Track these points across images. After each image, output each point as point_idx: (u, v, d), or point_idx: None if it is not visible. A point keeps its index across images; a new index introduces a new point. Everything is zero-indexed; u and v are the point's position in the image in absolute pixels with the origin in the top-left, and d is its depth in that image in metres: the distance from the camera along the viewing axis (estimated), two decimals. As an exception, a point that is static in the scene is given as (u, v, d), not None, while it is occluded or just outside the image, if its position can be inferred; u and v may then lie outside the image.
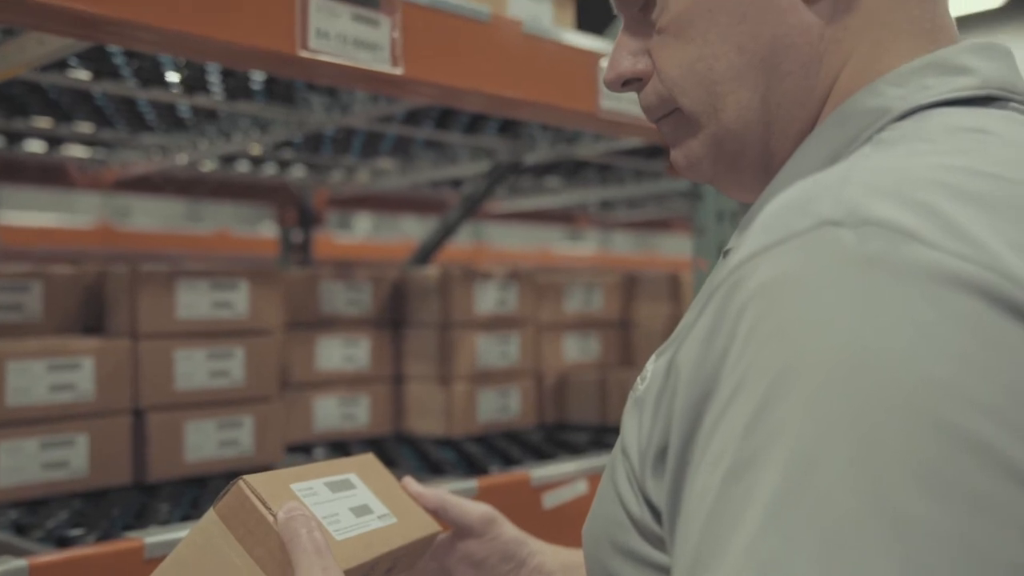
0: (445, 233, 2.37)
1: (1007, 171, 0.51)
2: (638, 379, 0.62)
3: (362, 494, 0.88)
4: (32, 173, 2.17)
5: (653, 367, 0.60)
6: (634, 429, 0.59)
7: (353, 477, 0.89)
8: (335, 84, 1.48)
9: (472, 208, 2.35)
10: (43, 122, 1.79)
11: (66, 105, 1.68)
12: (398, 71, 1.21)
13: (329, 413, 1.79)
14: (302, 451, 1.74)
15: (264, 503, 0.72)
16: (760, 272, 0.48)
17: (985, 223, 0.47)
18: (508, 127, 1.97)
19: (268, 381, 1.56)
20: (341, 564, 0.71)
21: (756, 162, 0.68)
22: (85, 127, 1.83)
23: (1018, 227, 0.48)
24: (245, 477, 0.74)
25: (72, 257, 4.57)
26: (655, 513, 0.56)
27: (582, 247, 8.34)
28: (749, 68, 0.65)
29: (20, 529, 1.14)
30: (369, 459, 0.94)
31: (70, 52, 1.21)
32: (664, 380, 0.55)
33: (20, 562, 0.92)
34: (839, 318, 0.45)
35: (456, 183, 2.69)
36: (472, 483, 1.37)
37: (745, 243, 0.51)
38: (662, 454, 0.54)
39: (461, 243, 5.77)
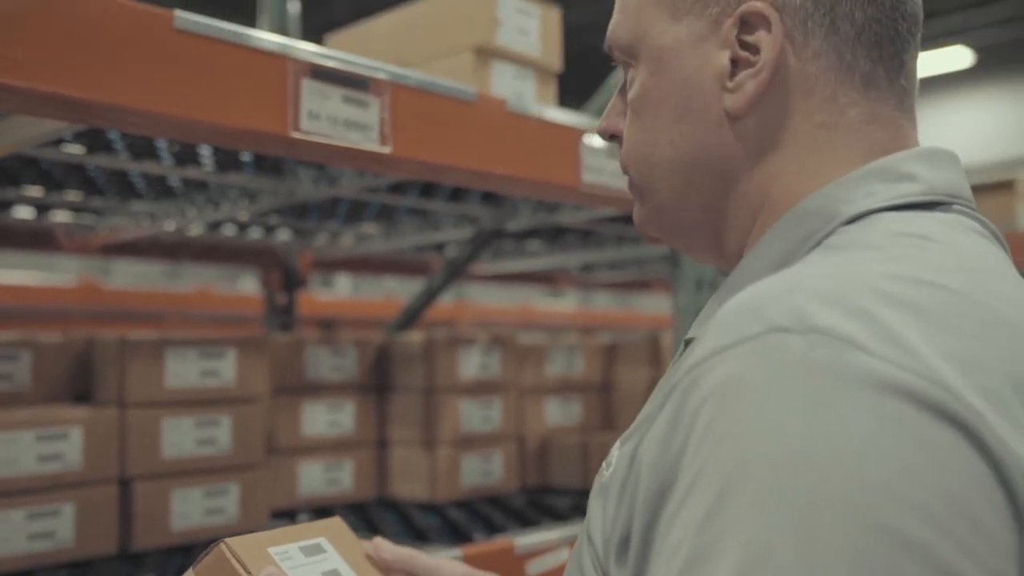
0: (429, 298, 2.41)
1: (943, 279, 0.55)
2: (603, 464, 0.65)
3: (332, 559, 0.90)
4: (20, 238, 2.19)
5: (618, 454, 0.63)
6: (599, 515, 0.62)
7: (323, 542, 0.92)
8: (325, 162, 1.53)
9: (456, 273, 2.39)
10: (34, 191, 1.82)
11: (58, 176, 1.71)
12: (386, 150, 1.25)
13: (314, 478, 1.81)
14: (287, 516, 1.75)
15: (244, 566, 0.74)
16: (715, 373, 0.52)
17: (920, 331, 0.51)
18: (491, 195, 2.02)
19: (254, 448, 1.58)
20: None
21: (704, 243, 0.74)
22: (75, 195, 1.86)
23: (950, 334, 0.52)
24: (226, 540, 0.76)
25: (56, 315, 4.58)
26: None
27: (563, 304, 8.39)
28: (680, 163, 0.71)
29: (7, 602, 1.15)
30: (336, 523, 0.96)
31: (66, 132, 1.24)
32: (627, 470, 0.58)
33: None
34: (787, 422, 0.49)
35: (439, 246, 2.73)
36: (457, 551, 1.38)
37: (702, 343, 0.55)
38: (625, 542, 0.58)
39: (443, 301, 5.81)
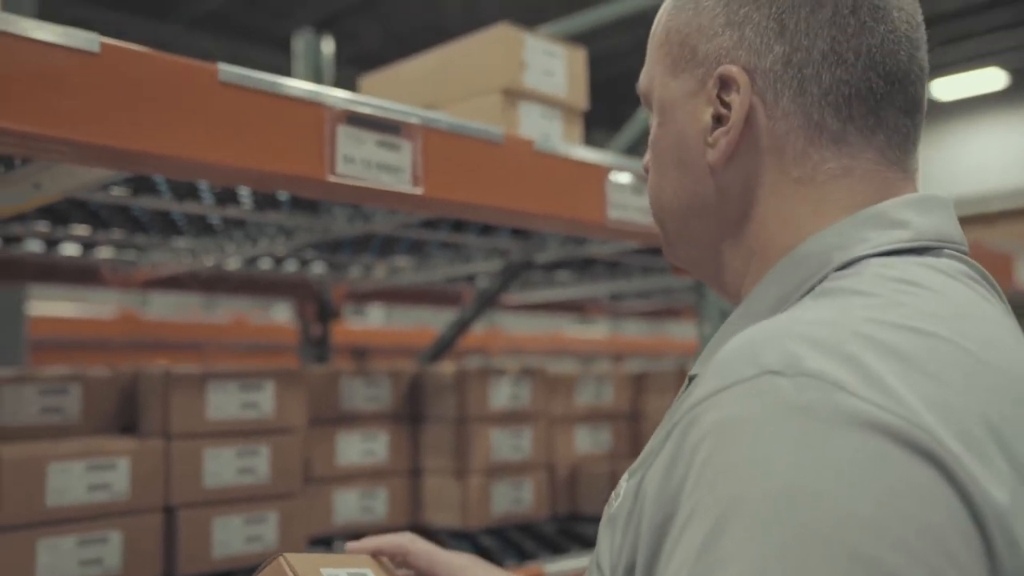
0: (460, 328, 2.46)
1: (927, 324, 0.59)
2: (612, 495, 0.70)
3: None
4: (66, 274, 2.27)
5: (626, 486, 0.68)
6: (607, 544, 0.67)
7: (368, 573, 0.97)
8: (359, 203, 1.59)
9: (486, 303, 2.44)
10: (81, 229, 1.89)
11: (105, 216, 1.79)
12: (418, 191, 1.31)
13: (349, 506, 1.85)
14: (323, 543, 1.79)
15: None
16: (712, 413, 0.57)
17: (902, 376, 0.55)
18: (520, 230, 2.07)
19: (292, 477, 1.63)
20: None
21: (711, 279, 0.80)
22: (120, 233, 1.93)
23: (931, 379, 0.56)
24: (285, 554, 0.82)
25: (97, 346, 4.68)
26: None
27: (594, 331, 8.41)
28: (680, 208, 0.77)
29: (60, 626, 1.21)
30: (384, 561, 1.02)
31: (113, 179, 1.31)
32: (633, 502, 0.63)
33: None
34: (777, 459, 0.53)
35: (470, 277, 2.79)
36: (488, 578, 1.42)
37: (703, 383, 0.59)
38: (630, 570, 0.62)
39: (475, 329, 5.86)
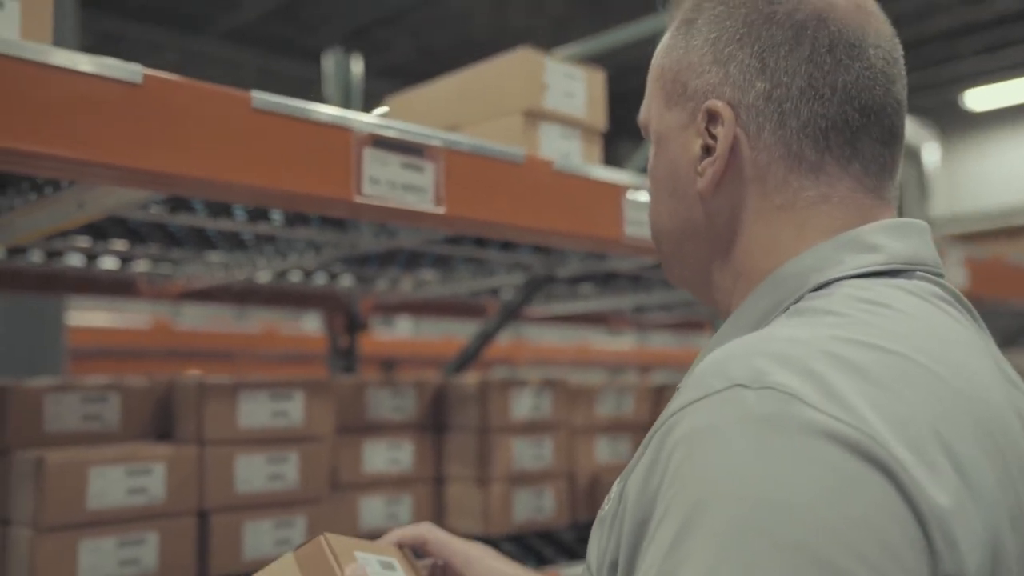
0: (484, 340, 2.52)
1: (888, 342, 0.64)
2: (605, 499, 0.76)
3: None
4: (104, 286, 2.36)
5: (615, 490, 0.74)
6: (595, 545, 0.73)
7: (395, 562, 1.05)
8: (384, 222, 1.65)
9: (509, 316, 2.49)
10: (119, 244, 1.97)
11: (143, 232, 1.86)
12: (441, 210, 1.37)
13: (374, 513, 1.92)
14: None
15: (336, 559, 0.88)
16: (686, 421, 0.63)
17: (859, 390, 0.60)
18: (541, 245, 2.13)
19: (320, 483, 1.69)
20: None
21: (704, 297, 0.85)
22: (156, 248, 2.01)
23: (886, 393, 0.61)
24: (326, 534, 0.92)
25: (133, 355, 4.79)
26: None
27: (621, 342, 8.43)
28: (673, 232, 0.83)
29: (100, 622, 1.28)
30: (407, 551, 1.10)
31: (153, 198, 1.39)
32: (618, 503, 0.69)
33: (109, 651, 1.06)
34: (738, 466, 0.59)
35: (494, 290, 2.85)
36: (506, 582, 1.47)
37: (681, 395, 0.66)
38: (613, 567, 0.68)
39: (501, 341, 5.92)
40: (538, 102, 1.67)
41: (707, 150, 0.79)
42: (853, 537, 0.56)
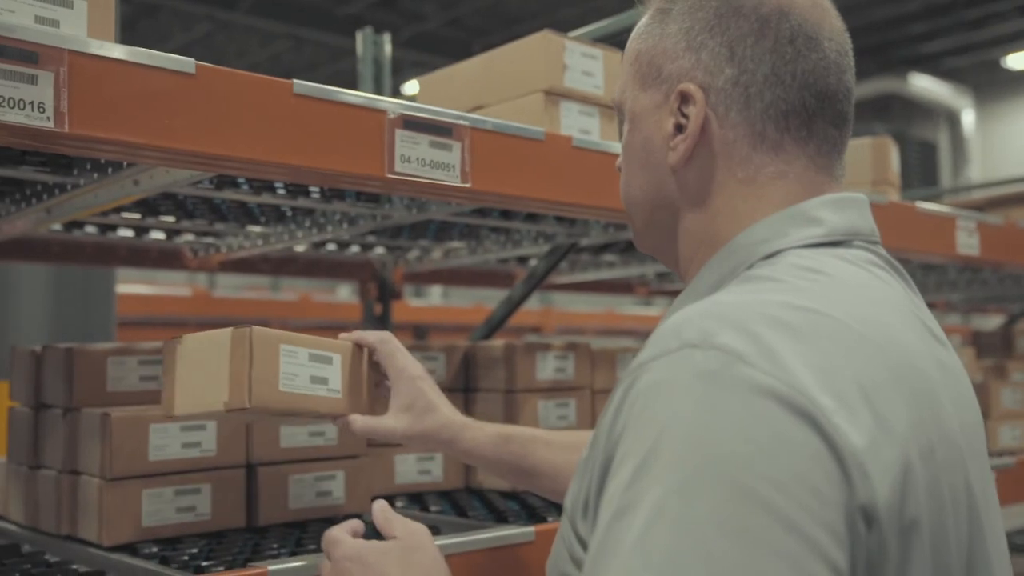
0: (511, 307, 2.63)
1: (821, 305, 0.76)
2: (585, 449, 0.87)
3: (331, 371, 1.26)
4: (153, 257, 2.50)
5: (590, 441, 0.85)
6: (572, 490, 0.84)
7: (337, 358, 1.26)
8: (415, 196, 1.76)
9: (535, 284, 2.60)
10: (168, 218, 2.10)
11: (190, 206, 1.99)
12: (467, 185, 1.48)
13: (408, 469, 2.04)
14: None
15: (251, 349, 1.13)
16: (645, 376, 0.74)
17: (792, 348, 0.71)
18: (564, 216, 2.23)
19: (357, 441, 1.82)
20: (254, 401, 1.14)
21: (671, 264, 0.96)
22: (202, 221, 2.14)
23: (815, 350, 0.72)
24: (255, 329, 1.14)
25: (173, 323, 4.96)
26: (582, 545, 0.80)
27: (650, 309, 8.52)
28: (645, 203, 0.94)
29: (163, 560, 1.41)
30: (365, 351, 1.32)
31: (202, 176, 1.50)
32: (590, 449, 0.80)
33: (177, 581, 1.19)
34: (685, 415, 0.70)
35: (521, 259, 2.96)
36: (530, 529, 1.60)
37: (643, 352, 0.77)
38: (586, 503, 0.79)
39: (530, 308, 6.04)
40: (558, 81, 1.76)
41: (679, 128, 0.90)
42: (776, 473, 0.67)
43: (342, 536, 0.97)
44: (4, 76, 1.02)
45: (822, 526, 0.66)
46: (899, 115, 12.76)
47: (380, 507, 0.98)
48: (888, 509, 0.70)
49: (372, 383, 1.31)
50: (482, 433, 1.31)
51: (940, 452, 0.75)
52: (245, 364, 1.13)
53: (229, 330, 1.16)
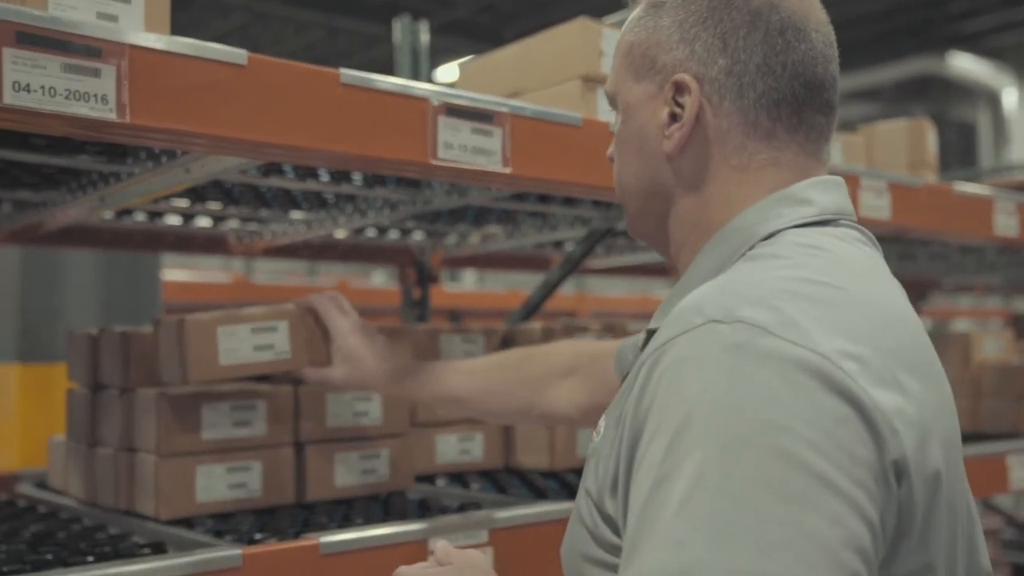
0: (547, 291, 2.67)
1: (829, 278, 0.80)
2: (594, 432, 0.91)
3: (277, 337, 1.51)
4: (199, 244, 2.56)
5: (605, 422, 0.89)
6: (592, 471, 0.88)
7: (284, 324, 1.51)
8: (457, 182, 1.80)
9: (572, 268, 2.64)
10: (214, 205, 2.16)
11: (236, 193, 2.05)
12: (508, 171, 1.52)
13: (449, 448, 2.09)
14: (427, 480, 2.04)
15: (185, 337, 1.46)
16: (671, 353, 0.77)
17: (811, 316, 0.76)
18: (601, 200, 2.26)
19: (400, 420, 1.87)
20: (191, 378, 1.47)
21: (662, 249, 0.99)
22: (247, 209, 2.19)
23: (834, 317, 0.76)
24: (188, 319, 1.42)
25: (215, 308, 5.05)
26: (610, 525, 0.83)
27: (683, 293, 8.49)
28: (639, 190, 0.97)
29: (217, 534, 1.47)
30: (309, 313, 1.57)
31: (251, 164, 1.55)
32: (616, 428, 0.83)
33: (235, 551, 1.25)
34: (717, 385, 0.73)
35: (557, 244, 2.99)
36: (568, 505, 1.64)
37: (665, 331, 0.80)
38: (615, 481, 0.82)
39: (565, 293, 6.07)
40: (595, 68, 1.79)
41: (673, 117, 0.93)
42: (811, 435, 0.70)
43: (403, 570, 1.02)
44: (69, 70, 1.07)
45: (855, 483, 0.70)
46: (938, 96, 12.59)
47: (441, 545, 1.02)
48: (916, 463, 0.74)
49: (327, 340, 1.58)
50: (407, 376, 1.56)
51: (944, 408, 0.82)
52: (184, 348, 1.47)
53: (180, 319, 1.49)
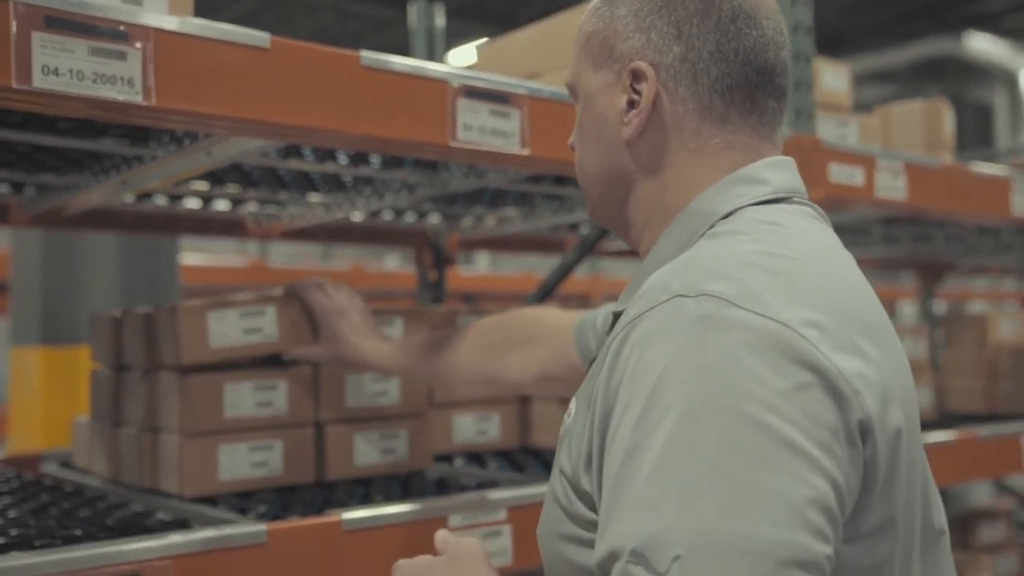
0: (563, 272, 2.68)
1: (787, 251, 0.83)
2: (565, 415, 0.93)
3: (265, 321, 1.60)
4: (218, 227, 2.58)
5: (576, 404, 0.91)
6: (566, 452, 0.90)
7: (271, 308, 1.59)
8: (475, 164, 1.81)
9: (588, 250, 2.65)
10: (233, 188, 2.18)
11: (255, 176, 2.06)
12: (526, 152, 1.53)
13: (466, 428, 2.11)
14: (445, 460, 2.06)
15: (180, 325, 1.55)
16: (639, 328, 0.80)
17: (772, 287, 0.79)
18: (617, 181, 2.27)
19: (419, 401, 1.89)
20: (184, 360, 1.56)
21: (623, 233, 1.02)
22: (266, 191, 2.21)
23: (794, 287, 0.79)
24: (181, 306, 1.50)
25: (231, 291, 5.09)
26: (585, 501, 0.85)
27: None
28: (600, 176, 1.00)
29: (241, 511, 1.50)
30: (295, 299, 1.66)
31: (271, 146, 1.57)
32: (587, 408, 0.85)
33: (260, 527, 1.27)
34: (684, 355, 0.75)
35: (572, 226, 3.00)
36: (588, 484, 1.66)
37: (632, 309, 0.83)
38: (589, 457, 0.84)
39: (579, 275, 6.08)
40: (613, 49, 1.79)
41: (631, 104, 0.95)
42: (775, 401, 0.73)
43: (401, 562, 1.04)
44: (96, 53, 1.09)
45: (818, 445, 0.73)
46: (954, 77, 12.50)
47: (440, 534, 1.04)
48: (878, 423, 0.78)
49: (313, 323, 1.69)
50: (384, 353, 1.64)
51: (900, 370, 0.85)
52: (178, 331, 1.57)
53: (179, 305, 1.59)
